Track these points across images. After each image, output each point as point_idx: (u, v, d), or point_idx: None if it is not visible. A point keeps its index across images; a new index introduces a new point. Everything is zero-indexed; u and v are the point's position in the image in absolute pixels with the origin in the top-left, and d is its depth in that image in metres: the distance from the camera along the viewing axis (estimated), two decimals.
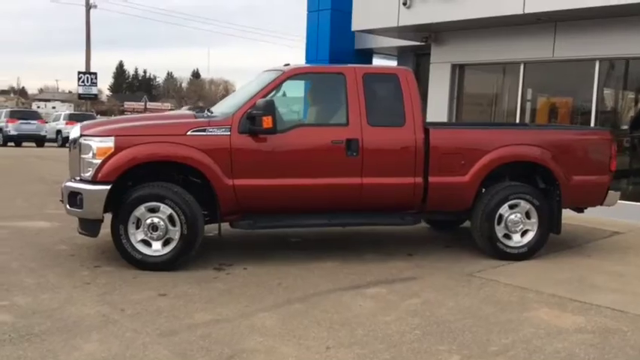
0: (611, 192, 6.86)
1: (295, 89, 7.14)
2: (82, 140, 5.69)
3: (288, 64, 6.35)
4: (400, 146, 6.22)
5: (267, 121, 5.58)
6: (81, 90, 34.89)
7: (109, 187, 5.53)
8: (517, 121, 11.14)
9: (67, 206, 5.76)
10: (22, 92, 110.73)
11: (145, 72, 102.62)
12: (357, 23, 12.48)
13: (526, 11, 9.68)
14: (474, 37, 11.50)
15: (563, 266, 6.39)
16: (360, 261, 6.32)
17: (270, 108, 5.62)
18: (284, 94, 6.70)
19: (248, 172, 5.83)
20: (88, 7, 38.18)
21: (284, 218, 6.12)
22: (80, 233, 5.90)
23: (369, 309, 4.81)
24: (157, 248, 5.71)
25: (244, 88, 6.68)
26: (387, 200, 6.28)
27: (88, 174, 5.60)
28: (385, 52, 17.01)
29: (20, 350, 3.78)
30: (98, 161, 5.55)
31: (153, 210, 5.67)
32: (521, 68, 11.10)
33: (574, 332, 4.40)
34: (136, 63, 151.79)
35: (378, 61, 18.39)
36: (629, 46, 9.57)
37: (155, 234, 5.68)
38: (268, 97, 5.85)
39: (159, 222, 5.66)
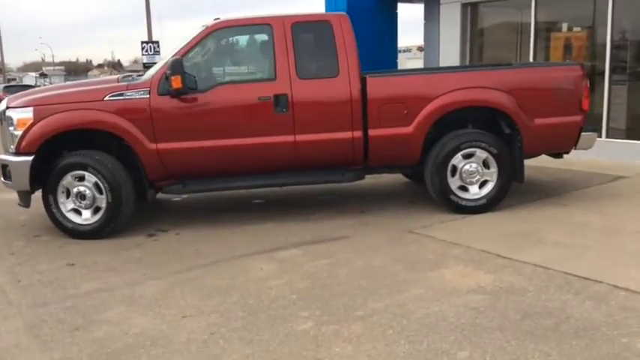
0: (584, 134, 6.16)
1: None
2: (7, 112, 5.74)
3: (217, 19, 6.06)
4: (334, 99, 5.82)
5: (175, 81, 5.37)
6: (145, 59, 35.57)
7: (31, 158, 5.55)
8: (531, 59, 10.26)
9: (2, 179, 5.86)
10: (117, 65, 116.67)
11: None
12: None
13: None
14: None
15: (523, 217, 5.86)
16: (302, 221, 6.08)
17: (177, 67, 5.39)
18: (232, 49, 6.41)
19: (172, 135, 5.68)
20: None
21: (216, 181, 5.94)
22: (19, 205, 6.01)
23: (266, 273, 4.60)
24: (86, 217, 5.73)
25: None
26: (325, 157, 5.94)
27: (13, 146, 5.65)
28: None
29: None
30: (19, 132, 5.58)
31: (80, 179, 5.67)
32: (533, 2, 10.13)
33: (466, 294, 3.99)
34: None
35: (403, 7, 17.49)
36: None
37: (84, 202, 5.69)
38: (186, 55, 5.64)
39: (85, 190, 5.65)
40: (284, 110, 5.72)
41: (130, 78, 6.04)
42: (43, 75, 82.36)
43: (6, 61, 66.15)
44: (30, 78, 79.21)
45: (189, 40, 5.82)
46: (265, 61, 5.91)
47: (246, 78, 6.15)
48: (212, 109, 5.70)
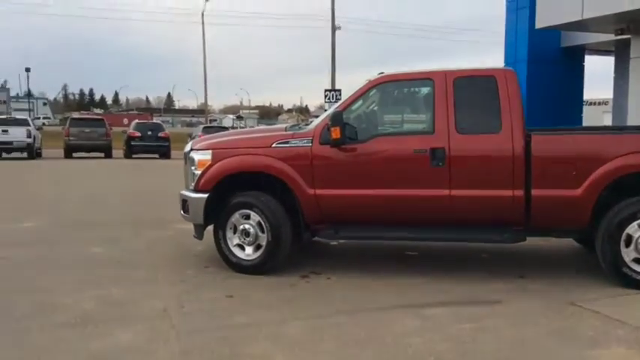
0: None
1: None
2: (191, 154, 6.43)
3: (382, 73, 6.27)
4: (495, 155, 5.66)
5: (335, 132, 5.64)
6: (327, 106, 37.80)
7: (206, 195, 6.14)
8: None
9: (181, 212, 6.54)
10: (304, 110, 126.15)
11: None
12: (541, 20, 11.50)
13: None
14: None
15: None
16: (454, 279, 5.91)
17: (337, 119, 5.66)
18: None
19: (329, 181, 5.92)
20: (334, 29, 41.28)
21: (368, 230, 6.04)
22: (194, 236, 6.63)
23: (407, 329, 4.54)
24: (249, 252, 6.14)
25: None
26: (482, 214, 5.75)
27: (193, 183, 6.30)
28: (599, 49, 15.24)
29: (66, 332, 4.46)
30: (199, 172, 6.21)
31: (246, 217, 6.12)
32: None
33: None
34: None
35: (593, 59, 16.50)
36: None
37: (247, 239, 6.12)
38: (348, 108, 5.92)
39: (249, 228, 6.08)
40: (440, 164, 5.68)
41: (297, 127, 6.45)
42: (240, 117, 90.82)
43: (210, 102, 73.92)
44: (228, 120, 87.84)
45: (353, 92, 6.08)
46: (424, 114, 5.97)
47: (404, 130, 6.26)
48: (368, 159, 5.86)
